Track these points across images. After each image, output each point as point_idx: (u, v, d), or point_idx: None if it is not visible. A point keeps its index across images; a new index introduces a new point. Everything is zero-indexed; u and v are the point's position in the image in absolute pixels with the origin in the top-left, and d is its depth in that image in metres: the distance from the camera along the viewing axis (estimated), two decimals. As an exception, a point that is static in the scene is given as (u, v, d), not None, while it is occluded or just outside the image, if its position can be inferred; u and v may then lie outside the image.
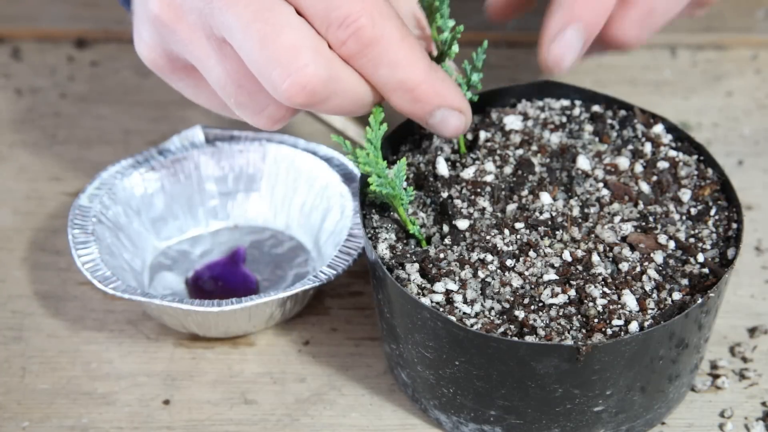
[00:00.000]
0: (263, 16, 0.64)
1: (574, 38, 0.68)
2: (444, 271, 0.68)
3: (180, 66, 0.72)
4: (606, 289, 0.67)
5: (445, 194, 0.72)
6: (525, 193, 0.72)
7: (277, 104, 0.68)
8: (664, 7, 0.67)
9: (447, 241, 0.70)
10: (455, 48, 0.70)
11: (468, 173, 0.73)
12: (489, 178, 0.72)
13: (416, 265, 0.69)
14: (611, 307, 0.66)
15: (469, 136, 0.75)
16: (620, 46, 0.70)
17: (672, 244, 0.69)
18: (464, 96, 0.69)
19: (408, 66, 0.66)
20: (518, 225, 0.70)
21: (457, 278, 0.68)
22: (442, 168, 0.73)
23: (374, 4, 0.65)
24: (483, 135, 0.75)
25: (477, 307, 0.67)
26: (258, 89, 0.68)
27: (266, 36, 0.64)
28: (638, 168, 0.73)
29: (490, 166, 0.73)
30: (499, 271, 0.68)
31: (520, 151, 0.73)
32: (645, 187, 0.72)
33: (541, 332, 0.65)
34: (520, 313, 0.66)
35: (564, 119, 0.75)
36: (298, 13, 0.66)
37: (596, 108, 0.76)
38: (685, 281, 0.68)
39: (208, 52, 0.68)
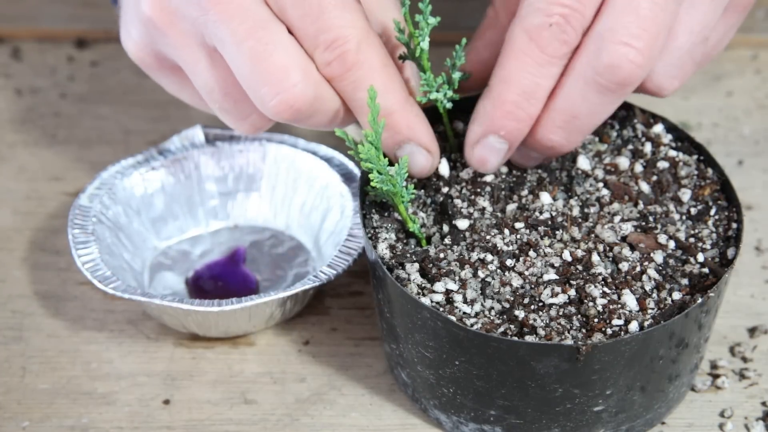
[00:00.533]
0: (257, 33, 0.66)
1: (497, 143, 0.70)
2: (444, 270, 0.68)
3: (167, 65, 0.73)
4: (606, 289, 0.67)
5: (445, 194, 0.72)
6: (525, 192, 0.72)
7: (261, 114, 0.71)
8: (588, 111, 0.68)
9: (447, 240, 0.70)
10: (425, 44, 0.71)
11: (468, 173, 0.73)
12: (489, 178, 0.72)
13: (416, 265, 0.69)
14: (611, 306, 0.66)
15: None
16: (551, 151, 0.70)
17: (672, 244, 0.70)
18: (435, 138, 0.71)
19: (384, 93, 0.69)
20: (518, 225, 0.70)
21: (457, 278, 0.68)
22: (444, 168, 0.73)
23: (362, 31, 0.68)
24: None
25: (477, 307, 0.67)
26: (243, 98, 0.70)
27: (259, 54, 0.66)
28: (638, 168, 0.73)
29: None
30: (499, 270, 0.68)
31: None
32: (645, 187, 0.72)
33: (541, 332, 0.65)
34: (520, 313, 0.66)
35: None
36: (289, 31, 0.67)
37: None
38: (685, 281, 0.68)
39: (197, 58, 0.69)
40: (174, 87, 0.75)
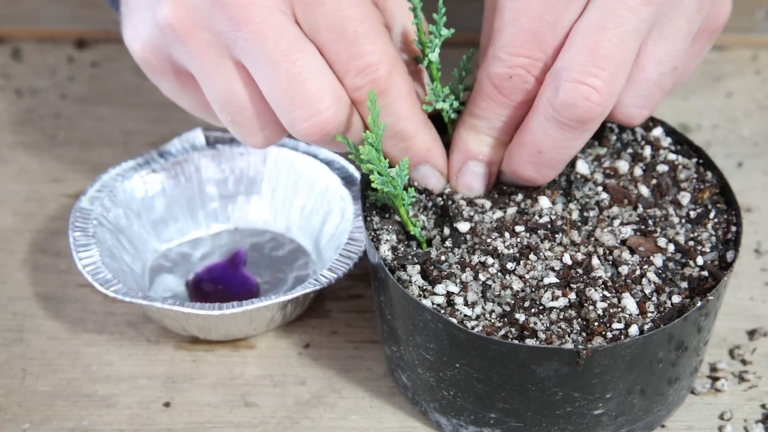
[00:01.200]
0: (292, 56, 0.67)
1: (477, 168, 0.72)
2: (445, 273, 0.68)
3: (172, 70, 0.72)
4: (606, 293, 0.67)
5: (445, 197, 0.72)
6: (524, 197, 0.72)
7: (276, 128, 0.71)
8: (552, 147, 0.69)
9: (448, 243, 0.70)
10: (434, 56, 0.71)
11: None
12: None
13: (417, 267, 0.69)
14: (611, 310, 0.66)
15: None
16: (527, 182, 0.72)
17: (671, 247, 0.70)
18: (445, 157, 0.73)
19: (409, 118, 0.70)
20: (518, 228, 0.70)
21: (458, 280, 0.68)
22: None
23: (392, 57, 0.69)
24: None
25: (478, 310, 0.67)
26: (261, 113, 0.70)
27: (294, 77, 0.67)
28: (638, 171, 0.73)
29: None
30: (499, 273, 0.68)
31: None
32: (644, 191, 0.72)
33: (542, 335, 0.65)
34: (520, 316, 0.66)
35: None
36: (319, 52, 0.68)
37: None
38: (684, 284, 0.68)
39: (216, 69, 0.69)
40: (173, 91, 0.74)
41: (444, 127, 0.74)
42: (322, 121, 0.67)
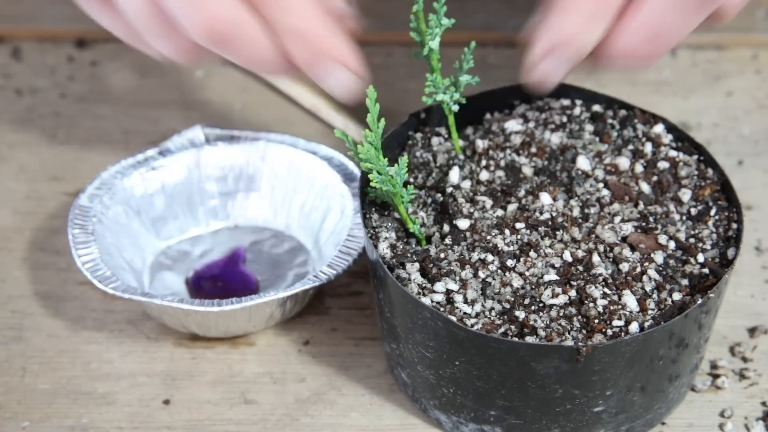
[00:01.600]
0: None
1: (562, 61, 0.68)
2: (444, 270, 0.68)
3: None
4: (606, 290, 0.67)
5: (446, 194, 0.72)
6: (525, 193, 0.72)
7: (192, 39, 0.70)
8: (673, 25, 0.66)
9: (447, 240, 0.70)
10: (434, 44, 0.71)
11: (467, 178, 0.73)
12: (490, 178, 0.72)
13: (417, 265, 0.69)
14: (612, 307, 0.66)
15: (464, 142, 0.75)
16: (633, 64, 0.68)
17: (672, 245, 0.70)
18: (356, 57, 0.70)
19: (303, 13, 0.68)
20: (519, 225, 0.70)
21: (457, 278, 0.68)
22: (455, 177, 0.73)
23: None
24: (481, 143, 0.74)
25: (477, 307, 0.67)
26: (166, 20, 0.70)
27: None
28: (638, 168, 0.73)
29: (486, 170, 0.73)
30: (499, 271, 0.68)
31: (516, 155, 0.73)
32: (645, 187, 0.72)
33: (542, 333, 0.65)
34: (520, 314, 0.66)
35: (564, 119, 0.75)
36: None
37: (597, 108, 0.76)
38: (685, 281, 0.68)
39: None
40: (108, 21, 0.75)
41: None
42: (211, 20, 0.67)
